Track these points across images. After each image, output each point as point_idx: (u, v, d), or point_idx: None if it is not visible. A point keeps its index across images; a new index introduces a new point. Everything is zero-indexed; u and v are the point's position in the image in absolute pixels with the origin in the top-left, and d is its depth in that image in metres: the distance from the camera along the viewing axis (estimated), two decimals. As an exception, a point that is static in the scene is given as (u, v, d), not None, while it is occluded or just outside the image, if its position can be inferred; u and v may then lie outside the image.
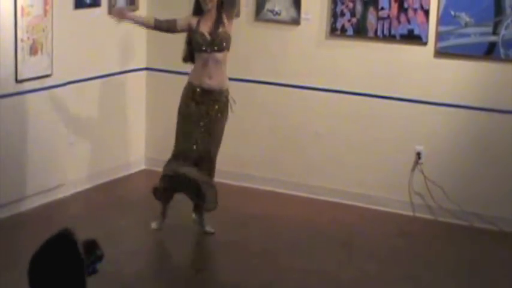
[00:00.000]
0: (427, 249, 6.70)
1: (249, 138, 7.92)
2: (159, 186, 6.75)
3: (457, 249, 6.76)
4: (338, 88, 7.55)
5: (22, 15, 6.73)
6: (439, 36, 7.12)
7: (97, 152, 7.79)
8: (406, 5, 7.20)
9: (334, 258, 6.43)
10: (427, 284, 6.09)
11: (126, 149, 8.18)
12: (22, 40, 6.76)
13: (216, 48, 6.45)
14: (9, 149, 6.82)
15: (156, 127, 8.28)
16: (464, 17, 7.01)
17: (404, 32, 7.24)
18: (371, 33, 7.36)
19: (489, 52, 6.98)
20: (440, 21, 7.10)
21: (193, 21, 6.53)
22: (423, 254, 6.58)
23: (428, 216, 7.33)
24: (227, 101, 6.61)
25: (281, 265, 6.27)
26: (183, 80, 6.70)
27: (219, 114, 6.57)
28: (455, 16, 7.05)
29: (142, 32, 7.89)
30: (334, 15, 7.46)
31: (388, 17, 7.28)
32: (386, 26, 7.30)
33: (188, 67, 6.69)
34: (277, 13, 7.67)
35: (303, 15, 7.60)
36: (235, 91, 7.47)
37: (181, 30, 6.57)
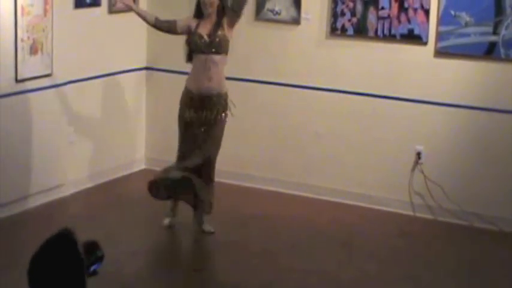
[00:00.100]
0: (427, 249, 6.70)
1: (249, 138, 7.92)
2: (153, 187, 6.74)
3: (457, 249, 6.76)
4: (338, 88, 7.55)
5: (22, 14, 6.72)
6: (439, 36, 7.12)
7: (97, 152, 7.79)
8: (406, 5, 7.19)
9: (334, 258, 6.43)
10: (427, 284, 6.09)
11: (126, 148, 8.18)
12: (22, 40, 6.76)
13: (214, 50, 6.46)
14: (10, 148, 6.82)
15: (156, 127, 8.28)
16: (465, 17, 7.01)
17: (405, 31, 7.24)
18: (371, 33, 7.35)
19: (489, 52, 6.98)
20: (440, 21, 7.10)
21: (193, 23, 6.55)
22: (423, 254, 6.58)
23: (428, 216, 7.33)
24: (226, 104, 6.61)
25: (281, 265, 6.27)
26: (183, 80, 6.70)
27: (218, 117, 6.57)
28: (455, 16, 7.05)
29: (142, 31, 7.90)
30: (335, 15, 7.46)
31: (389, 16, 7.28)
32: (386, 25, 7.30)
33: (189, 67, 6.69)
34: (277, 13, 7.67)
35: (303, 14, 7.60)
36: (235, 91, 7.47)
37: (181, 32, 6.60)
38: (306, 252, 6.53)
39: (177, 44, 6.78)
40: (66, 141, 7.39)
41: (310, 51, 7.62)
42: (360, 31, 7.39)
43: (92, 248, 2.94)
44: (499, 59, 6.96)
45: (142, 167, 8.35)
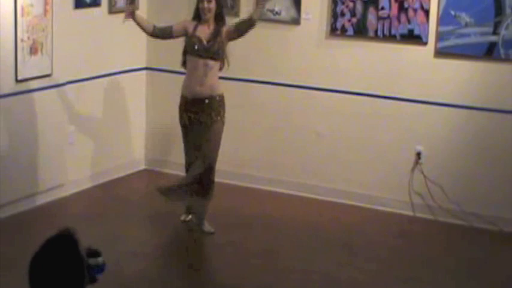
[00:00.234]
0: (427, 249, 6.70)
1: (249, 138, 7.92)
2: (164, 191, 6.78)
3: (457, 249, 6.76)
4: (338, 88, 7.55)
5: (22, 14, 6.72)
6: (439, 36, 7.12)
7: (97, 152, 7.79)
8: (406, 5, 7.19)
9: (334, 258, 6.42)
10: (427, 284, 6.09)
11: (126, 149, 8.18)
12: (22, 40, 6.75)
13: (211, 55, 6.50)
14: (10, 149, 6.81)
15: (156, 127, 8.28)
16: (465, 17, 7.01)
17: (405, 31, 7.24)
18: (371, 33, 7.36)
19: (489, 52, 6.98)
20: (440, 21, 7.10)
21: (190, 25, 6.61)
22: (423, 254, 6.58)
23: (428, 216, 7.33)
24: (219, 106, 6.60)
25: (281, 265, 6.27)
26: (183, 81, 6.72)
27: (213, 120, 6.58)
28: (455, 16, 7.05)
29: (142, 32, 7.89)
30: (334, 15, 7.46)
31: (388, 16, 7.28)
32: (386, 25, 7.30)
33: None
34: (277, 13, 7.67)
35: (303, 15, 7.60)
36: (235, 91, 7.49)
37: (178, 36, 6.67)
38: (306, 253, 6.53)
39: (177, 44, 6.79)
40: (66, 141, 7.39)
41: (310, 52, 7.62)
42: (360, 31, 7.39)
43: (94, 254, 2.92)
44: (499, 59, 6.96)
45: (142, 167, 8.35)
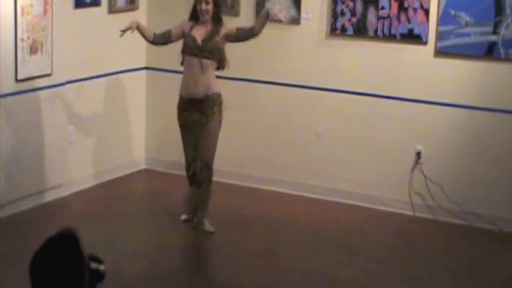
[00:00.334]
0: (427, 249, 6.70)
1: (249, 138, 7.92)
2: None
3: (457, 249, 6.76)
4: (338, 88, 7.55)
5: (22, 14, 6.72)
6: (439, 36, 7.12)
7: (97, 152, 7.79)
8: (406, 5, 7.19)
9: (334, 258, 6.42)
10: (427, 284, 6.09)
11: (126, 148, 8.17)
12: (22, 39, 6.75)
13: (205, 55, 6.51)
14: (10, 148, 6.81)
15: (156, 127, 8.27)
16: (465, 17, 7.01)
17: (405, 31, 7.24)
18: (371, 33, 7.35)
19: (489, 52, 6.97)
20: (440, 20, 7.09)
21: (187, 26, 6.66)
22: (423, 254, 6.57)
23: (428, 216, 7.33)
24: (214, 105, 6.59)
25: (281, 265, 6.27)
26: (183, 80, 6.72)
27: (209, 119, 6.59)
28: (455, 16, 7.05)
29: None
30: (334, 15, 7.46)
31: (388, 16, 7.27)
32: (386, 25, 7.29)
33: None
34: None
35: (303, 14, 7.59)
36: (235, 91, 7.49)
37: (177, 39, 6.73)
38: (306, 253, 6.53)
39: (177, 44, 6.79)
40: (66, 141, 7.39)
41: (310, 51, 7.62)
42: (360, 31, 7.39)
43: (96, 260, 2.91)
44: (499, 59, 6.96)
45: (142, 167, 8.35)
